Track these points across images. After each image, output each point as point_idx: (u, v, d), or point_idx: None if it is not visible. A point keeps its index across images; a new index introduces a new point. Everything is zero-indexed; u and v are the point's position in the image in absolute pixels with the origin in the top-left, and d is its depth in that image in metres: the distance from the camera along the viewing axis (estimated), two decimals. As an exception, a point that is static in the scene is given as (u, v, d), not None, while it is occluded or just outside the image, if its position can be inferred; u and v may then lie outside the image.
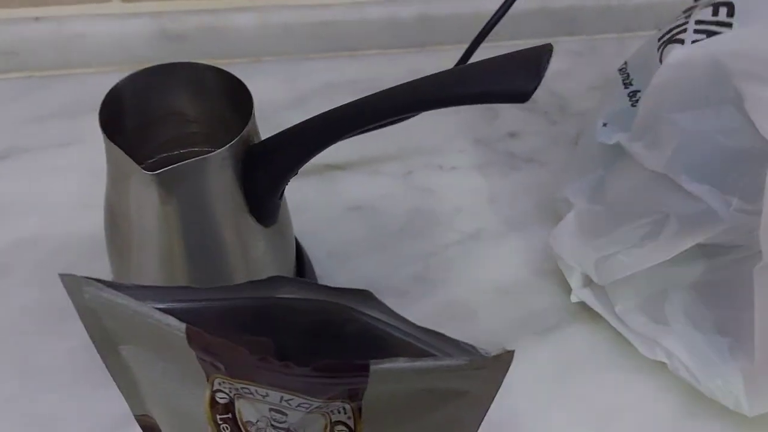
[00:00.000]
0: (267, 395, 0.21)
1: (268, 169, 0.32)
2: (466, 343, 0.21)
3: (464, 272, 0.48)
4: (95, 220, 0.47)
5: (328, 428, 0.22)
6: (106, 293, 0.21)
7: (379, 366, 0.19)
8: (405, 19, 0.63)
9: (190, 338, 0.20)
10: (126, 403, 0.38)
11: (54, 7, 0.55)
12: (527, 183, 0.54)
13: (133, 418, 0.38)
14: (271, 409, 0.21)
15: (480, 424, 0.24)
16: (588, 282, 0.45)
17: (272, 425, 0.22)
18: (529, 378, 0.41)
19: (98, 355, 0.40)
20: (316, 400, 0.21)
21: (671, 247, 0.38)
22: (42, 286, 0.44)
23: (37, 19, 0.56)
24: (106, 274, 0.44)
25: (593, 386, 0.42)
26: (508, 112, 0.60)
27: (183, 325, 0.20)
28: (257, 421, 0.22)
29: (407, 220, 0.51)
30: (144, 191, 0.31)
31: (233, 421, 0.23)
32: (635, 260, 0.41)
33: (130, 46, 0.57)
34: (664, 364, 0.42)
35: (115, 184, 0.33)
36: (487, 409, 0.24)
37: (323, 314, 0.22)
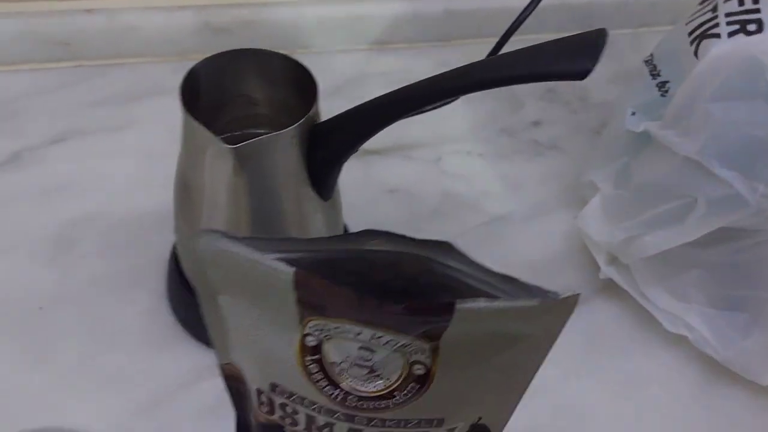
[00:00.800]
0: (360, 333, 0.24)
1: (329, 147, 0.35)
2: (538, 288, 0.24)
3: (493, 251, 0.51)
4: (153, 198, 0.51)
5: (407, 366, 0.25)
6: (221, 243, 0.24)
7: (463, 305, 0.22)
8: (431, 13, 0.66)
9: (298, 281, 0.23)
10: (190, 364, 0.42)
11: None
12: (551, 169, 0.57)
13: (194, 378, 0.42)
14: (360, 348, 0.24)
15: (537, 370, 0.28)
16: (614, 260, 0.48)
17: (357, 364, 0.25)
18: (558, 348, 0.44)
19: (161, 320, 0.44)
20: (403, 337, 0.24)
21: (697, 229, 0.41)
22: (107, 258, 0.47)
23: (89, 11, 0.59)
24: (165, 244, 0.47)
25: (619, 357, 0.45)
26: (531, 102, 0.63)
27: (291, 269, 0.23)
28: (341, 361, 0.25)
29: (439, 203, 0.54)
30: (220, 163, 0.34)
31: (320, 363, 0.25)
32: (661, 241, 0.44)
33: (177, 38, 0.60)
34: (685, 337, 0.45)
35: (190, 157, 0.36)
36: (546, 355, 0.27)
37: (405, 266, 0.25)
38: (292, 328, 0.25)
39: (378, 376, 0.25)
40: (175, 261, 0.43)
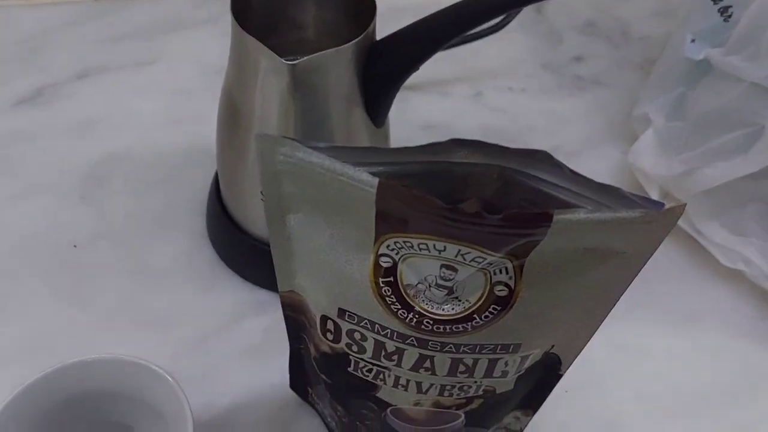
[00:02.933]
0: (444, 249, 0.22)
1: (387, 65, 0.33)
2: (642, 197, 0.22)
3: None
4: (184, 135, 0.49)
5: (488, 287, 0.23)
6: (301, 152, 0.22)
7: (561, 216, 0.21)
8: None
9: (382, 192, 0.21)
10: (234, 302, 0.40)
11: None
12: (596, 104, 0.55)
13: (239, 316, 0.40)
14: (442, 266, 0.23)
15: (622, 294, 0.26)
16: (666, 195, 0.46)
17: (436, 285, 0.23)
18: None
19: (202, 259, 0.42)
20: (490, 254, 0.22)
21: (763, 158, 0.39)
22: (140, 196, 0.45)
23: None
24: (200, 182, 0.45)
25: (674, 293, 0.44)
26: (571, 37, 0.60)
27: (375, 180, 0.21)
28: (418, 283, 0.24)
29: (481, 138, 0.52)
30: (274, 82, 0.32)
31: (394, 284, 0.24)
32: (722, 173, 0.42)
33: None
34: (742, 272, 0.43)
35: (241, 78, 0.34)
36: (634, 276, 0.25)
37: (490, 181, 0.23)
38: (367, 247, 0.23)
39: (456, 298, 0.24)
40: (216, 195, 0.41)
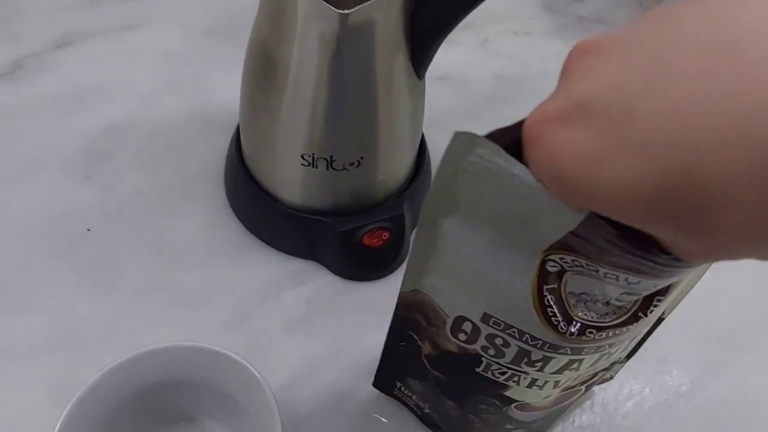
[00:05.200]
0: (638, 283, 0.20)
1: (436, 13, 0.31)
2: None
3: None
4: (185, 103, 0.46)
5: None
6: (501, 159, 0.19)
7: None
8: None
9: (588, 225, 0.18)
10: (268, 275, 0.38)
11: None
12: (603, 45, 0.54)
13: (275, 290, 0.38)
14: (624, 293, 0.21)
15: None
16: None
17: (607, 303, 0.22)
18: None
19: (228, 231, 0.40)
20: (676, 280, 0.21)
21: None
22: (149, 170, 0.42)
23: None
24: (211, 151, 0.42)
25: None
26: (568, -23, 0.59)
27: (584, 213, 0.18)
28: (581, 293, 0.22)
29: (495, 87, 0.50)
30: (322, 33, 0.29)
31: (557, 291, 0.22)
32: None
33: None
34: None
35: (279, 29, 0.30)
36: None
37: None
38: (533, 255, 0.21)
39: (621, 307, 0.22)
40: (239, 163, 0.38)
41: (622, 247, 0.19)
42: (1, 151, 0.42)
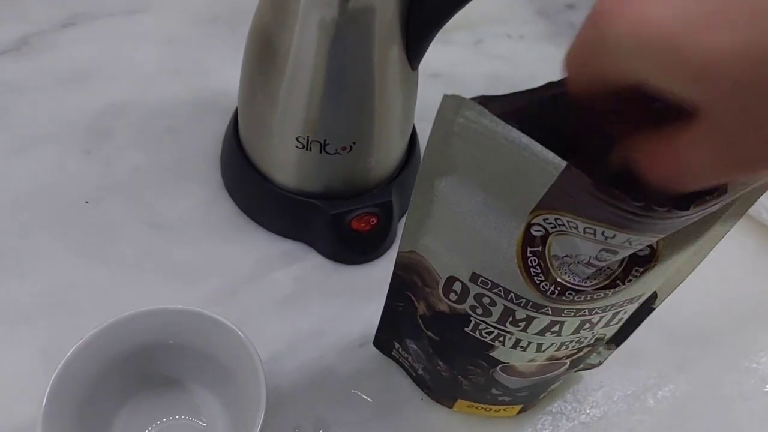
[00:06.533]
0: (613, 237, 0.21)
1: (432, 3, 0.32)
2: None
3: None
4: (184, 86, 0.47)
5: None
6: (486, 119, 0.20)
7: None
8: None
9: (566, 176, 0.20)
10: (258, 254, 0.39)
11: None
12: (592, 52, 0.56)
13: (265, 268, 0.39)
14: (602, 250, 0.22)
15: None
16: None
17: (588, 263, 0.23)
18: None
19: (221, 211, 0.41)
20: (659, 237, 0.22)
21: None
22: (147, 150, 0.43)
23: None
24: (208, 133, 0.44)
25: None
26: (562, -15, 0.61)
27: (563, 164, 0.19)
28: (564, 256, 0.23)
29: (487, 86, 0.52)
30: (318, 17, 0.31)
31: (541, 254, 0.23)
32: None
33: None
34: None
35: (281, 14, 0.32)
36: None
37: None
38: (521, 217, 0.22)
39: (603, 270, 0.24)
40: (235, 145, 0.40)
41: (597, 196, 0.20)
42: (5, 123, 0.43)
